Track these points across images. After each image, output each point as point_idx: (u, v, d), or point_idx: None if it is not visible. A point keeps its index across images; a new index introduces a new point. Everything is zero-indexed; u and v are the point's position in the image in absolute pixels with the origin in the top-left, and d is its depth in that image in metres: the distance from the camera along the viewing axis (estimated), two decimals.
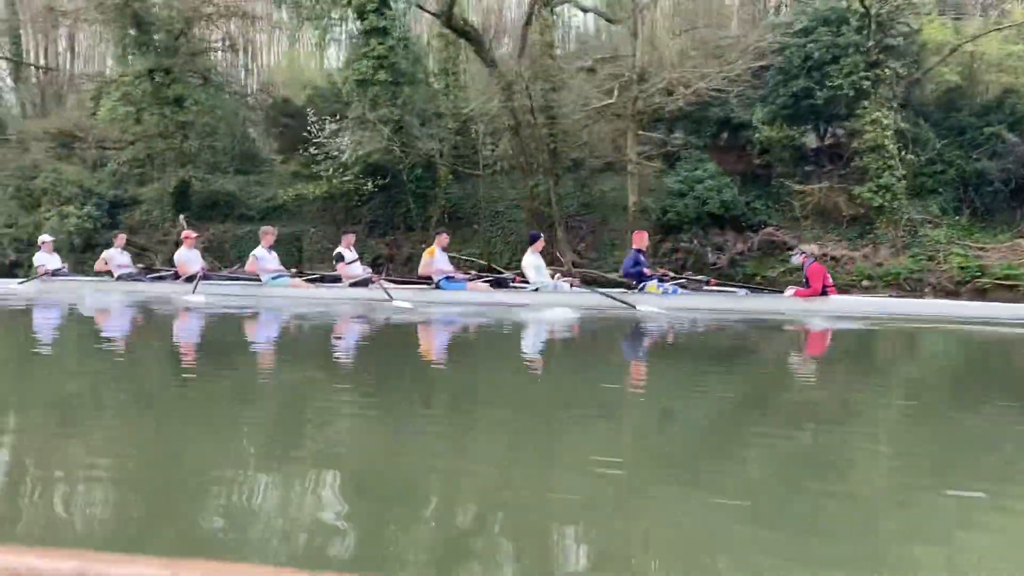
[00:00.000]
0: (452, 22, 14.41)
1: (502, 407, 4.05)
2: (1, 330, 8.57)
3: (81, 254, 17.91)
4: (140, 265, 12.68)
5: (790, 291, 9.33)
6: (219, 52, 17.50)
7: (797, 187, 15.94)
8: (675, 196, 15.68)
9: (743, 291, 9.77)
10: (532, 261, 9.99)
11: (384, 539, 2.16)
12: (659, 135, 15.57)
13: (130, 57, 16.57)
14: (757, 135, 15.80)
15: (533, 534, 2.20)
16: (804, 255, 9.27)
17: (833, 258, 15.62)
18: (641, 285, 9.55)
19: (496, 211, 18.02)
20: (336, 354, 6.25)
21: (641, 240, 9.95)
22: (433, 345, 7.05)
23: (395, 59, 16.45)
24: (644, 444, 3.33)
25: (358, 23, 16.90)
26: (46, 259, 12.50)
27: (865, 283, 15.21)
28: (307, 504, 2.43)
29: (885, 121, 14.99)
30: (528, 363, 5.66)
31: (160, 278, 11.92)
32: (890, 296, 10.68)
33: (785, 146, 16.17)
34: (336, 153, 16.84)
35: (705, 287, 9.82)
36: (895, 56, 15.36)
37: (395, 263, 17.90)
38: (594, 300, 9.29)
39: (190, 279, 11.05)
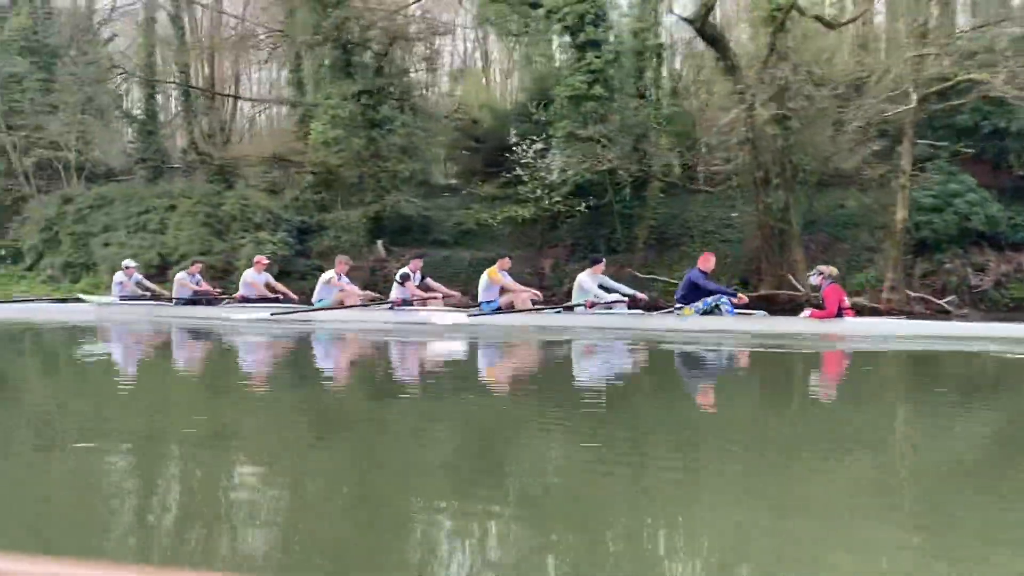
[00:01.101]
0: (705, 28, 13.52)
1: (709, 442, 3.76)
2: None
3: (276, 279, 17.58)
4: (200, 288, 13.10)
5: (806, 313, 9.37)
6: (417, 73, 16.98)
7: None
8: (928, 211, 14.33)
9: (761, 313, 9.86)
10: (583, 283, 10.06)
11: None
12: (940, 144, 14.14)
13: (340, 79, 16.15)
14: None
15: None
16: (822, 276, 9.14)
17: None
18: (679, 307, 9.59)
19: (706, 230, 16.92)
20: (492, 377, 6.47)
21: (707, 262, 9.85)
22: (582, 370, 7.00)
23: (611, 72, 15.64)
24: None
25: (567, 37, 16.18)
26: (124, 283, 13.17)
27: None
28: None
29: None
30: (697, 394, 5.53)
31: (215, 302, 12.66)
32: (905, 318, 10.72)
33: None
34: (543, 174, 16.09)
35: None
36: None
37: None
38: (629, 322, 9.67)
39: (247, 301, 12.03)
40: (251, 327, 10.58)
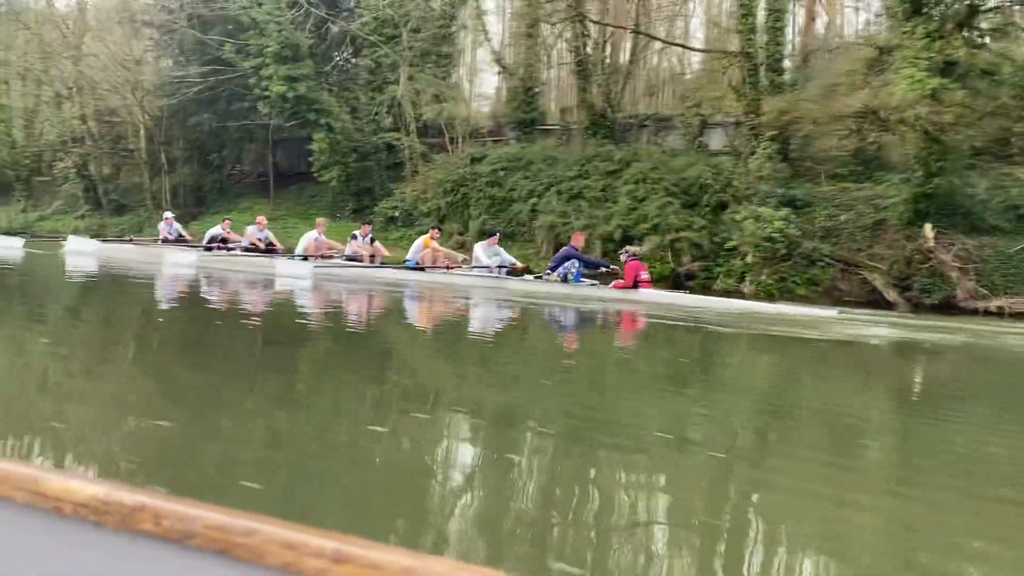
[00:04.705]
0: None
1: None
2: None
3: (776, 265, 14.31)
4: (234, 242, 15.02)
5: (612, 284, 11.50)
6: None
7: None
8: None
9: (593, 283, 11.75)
10: (480, 250, 12.91)
11: None
12: None
13: (911, 16, 12.42)
14: None
15: None
16: (627, 254, 11.47)
17: None
18: (546, 274, 11.86)
19: None
20: None
21: (578, 240, 12.23)
22: None
23: None
24: None
25: None
26: (165, 230, 15.85)
27: None
28: None
29: None
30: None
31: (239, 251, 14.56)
32: (687, 293, 12.02)
33: None
34: None
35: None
36: None
37: None
38: (514, 284, 12.02)
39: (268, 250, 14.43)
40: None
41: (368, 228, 14.70)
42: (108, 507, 0.62)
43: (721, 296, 13.43)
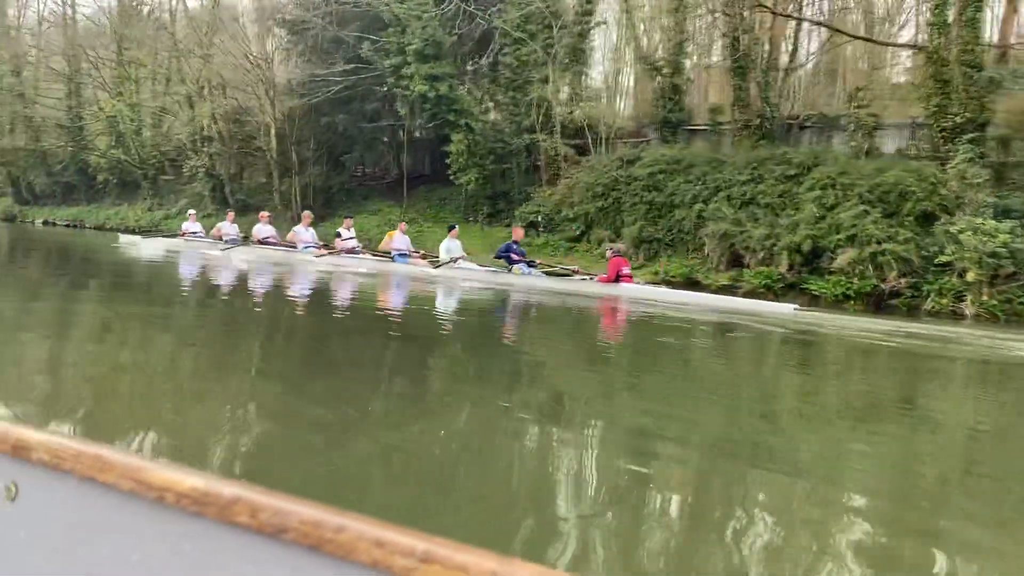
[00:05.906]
0: None
1: None
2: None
3: (1001, 285, 12.66)
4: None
5: (595, 277, 12.41)
6: None
7: None
8: None
9: (589, 277, 12.63)
10: (446, 245, 13.93)
11: None
12: None
13: None
14: None
15: None
16: (611, 250, 12.58)
17: None
18: (510, 267, 12.98)
19: None
20: None
21: (517, 234, 14.12)
22: None
23: None
24: None
25: None
26: (190, 226, 17.81)
27: None
28: None
29: None
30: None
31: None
32: (663, 287, 12.91)
33: None
34: None
35: (574, 274, 13.01)
36: None
37: None
38: (479, 276, 13.16)
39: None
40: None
41: (350, 221, 15.66)
42: (208, 498, 0.61)
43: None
